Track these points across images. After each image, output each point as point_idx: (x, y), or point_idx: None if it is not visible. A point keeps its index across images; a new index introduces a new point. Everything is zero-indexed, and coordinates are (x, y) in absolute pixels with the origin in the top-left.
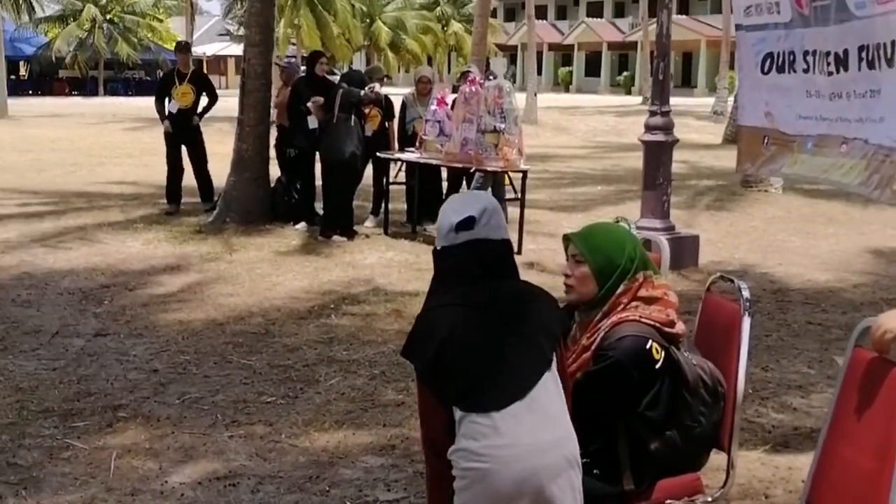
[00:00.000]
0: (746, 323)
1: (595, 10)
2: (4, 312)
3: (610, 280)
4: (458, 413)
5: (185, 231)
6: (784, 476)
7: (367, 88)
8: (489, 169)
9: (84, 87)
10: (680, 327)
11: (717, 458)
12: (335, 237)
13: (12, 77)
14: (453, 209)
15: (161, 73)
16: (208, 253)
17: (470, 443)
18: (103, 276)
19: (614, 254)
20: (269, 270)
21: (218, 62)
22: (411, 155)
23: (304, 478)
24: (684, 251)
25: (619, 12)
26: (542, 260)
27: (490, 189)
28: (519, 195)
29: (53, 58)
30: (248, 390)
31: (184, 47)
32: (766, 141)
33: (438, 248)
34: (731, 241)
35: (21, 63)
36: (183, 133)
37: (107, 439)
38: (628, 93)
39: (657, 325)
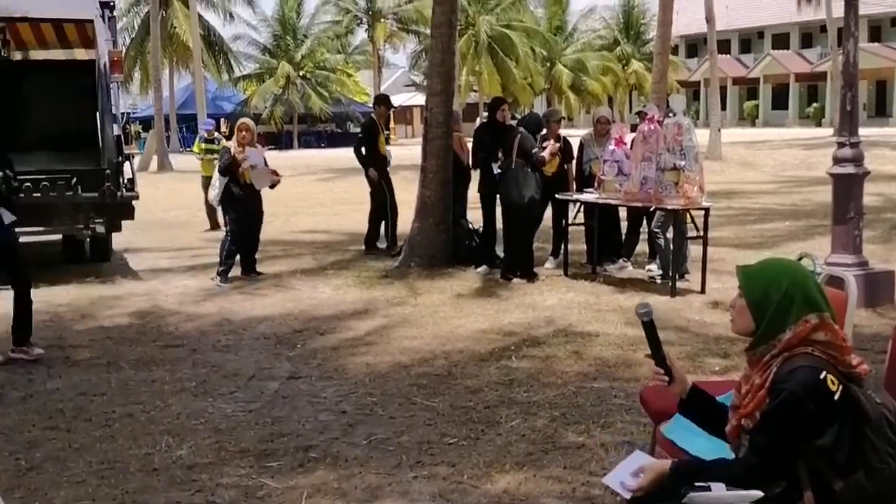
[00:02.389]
0: None
1: (781, 42)
2: (206, 357)
3: (766, 315)
4: None
5: (372, 276)
6: None
7: (535, 150)
8: (669, 207)
9: (279, 140)
10: (862, 368)
11: None
12: (515, 279)
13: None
14: None
15: (357, 124)
16: (394, 297)
17: None
18: (296, 322)
19: (770, 289)
20: (452, 313)
21: (404, 112)
22: (590, 195)
23: None
24: (879, 287)
25: (807, 43)
26: (727, 299)
27: (672, 227)
28: (701, 233)
29: (251, 114)
30: (432, 431)
31: (385, 100)
32: None
33: None
34: None
35: (222, 120)
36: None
37: (298, 479)
38: (818, 125)
39: (832, 359)
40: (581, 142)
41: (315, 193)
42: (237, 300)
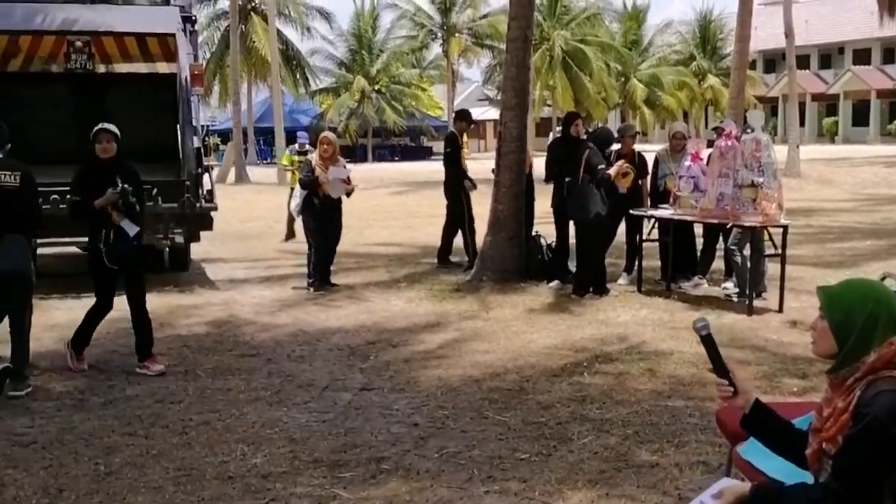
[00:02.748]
0: None
1: (862, 58)
2: (281, 367)
3: (849, 338)
4: None
5: (444, 290)
6: None
7: (601, 167)
8: (747, 224)
9: (354, 153)
10: None
11: None
12: (588, 295)
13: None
14: None
15: (434, 138)
16: (466, 311)
17: None
18: (369, 333)
19: (854, 311)
20: (524, 328)
21: (477, 127)
22: (665, 211)
23: None
24: None
25: (889, 58)
26: (805, 318)
27: (748, 245)
28: (779, 251)
29: (326, 127)
30: (503, 446)
31: (465, 115)
32: None
33: None
34: None
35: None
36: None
37: (370, 490)
38: None
39: None
40: (656, 157)
41: (388, 206)
42: (312, 311)
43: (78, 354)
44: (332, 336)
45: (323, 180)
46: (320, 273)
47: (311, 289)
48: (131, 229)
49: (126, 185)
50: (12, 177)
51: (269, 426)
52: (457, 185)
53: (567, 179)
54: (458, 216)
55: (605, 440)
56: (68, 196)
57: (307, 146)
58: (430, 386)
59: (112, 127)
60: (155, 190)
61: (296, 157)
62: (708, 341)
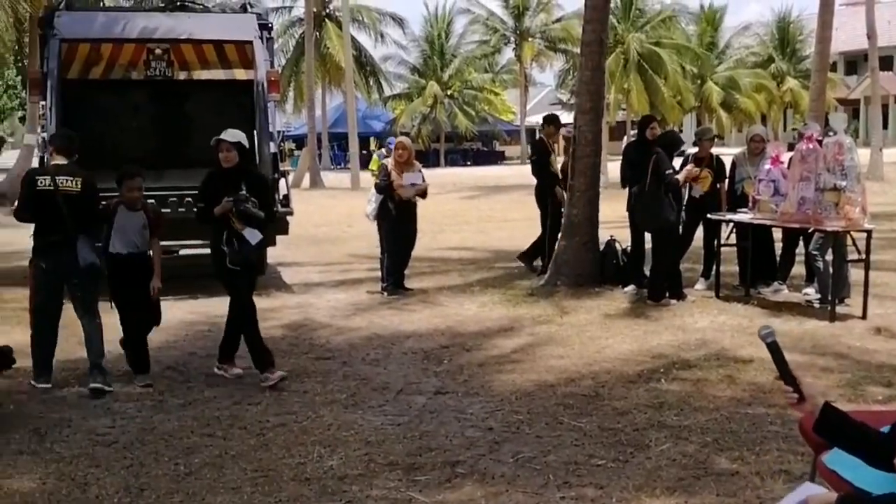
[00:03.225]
0: None
1: None
2: (356, 370)
3: None
4: None
5: (517, 294)
6: None
7: (669, 172)
8: (829, 229)
9: (426, 158)
10: None
11: None
12: (664, 300)
13: (363, 152)
14: None
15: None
16: (540, 316)
17: None
18: (443, 337)
19: None
20: (599, 333)
21: None
22: (744, 216)
23: None
24: None
25: None
26: (890, 325)
27: (830, 250)
28: (863, 256)
29: (399, 133)
30: (579, 452)
31: (554, 120)
32: None
33: None
34: None
35: (371, 139)
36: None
37: (446, 494)
38: None
39: None
40: (734, 160)
41: (461, 211)
42: (386, 315)
43: (227, 362)
44: (406, 340)
45: (398, 185)
46: (394, 277)
47: (385, 293)
48: (253, 237)
49: (244, 194)
50: (73, 182)
51: (344, 428)
52: (547, 193)
53: (635, 187)
54: (544, 220)
55: (683, 447)
56: (195, 202)
57: None
58: (504, 390)
59: (231, 136)
60: None
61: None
62: (773, 348)
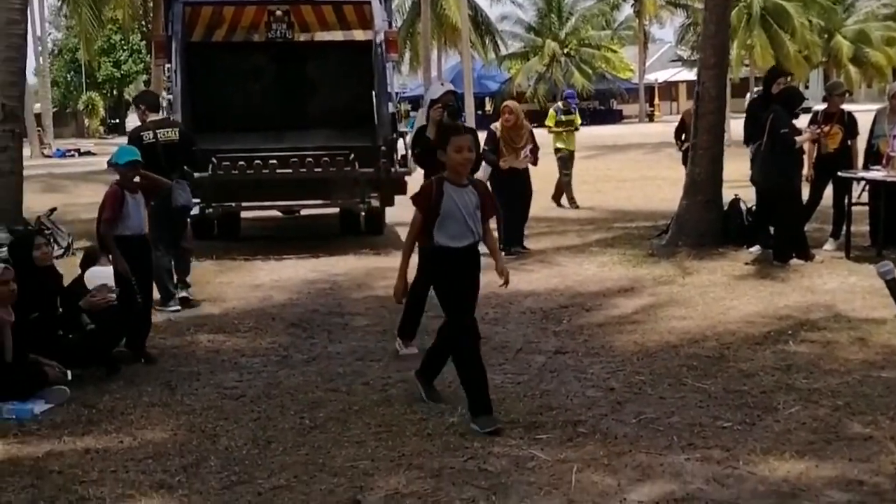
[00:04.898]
0: None
1: None
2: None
3: None
4: None
5: (637, 254)
6: None
7: (784, 131)
8: None
9: (543, 118)
10: None
11: None
12: (792, 261)
13: (479, 112)
14: None
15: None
16: (661, 276)
17: None
18: (562, 297)
19: None
20: (723, 294)
21: (669, 88)
22: (877, 174)
23: None
24: None
25: None
26: None
27: None
28: None
29: (514, 92)
30: (704, 414)
31: None
32: None
33: None
34: None
35: (486, 99)
36: None
37: (567, 453)
38: None
39: None
40: (875, 115)
41: (578, 171)
42: None
43: (406, 339)
44: (524, 299)
45: (503, 163)
46: (508, 237)
47: (503, 253)
48: None
49: None
50: (172, 132)
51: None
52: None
53: (752, 145)
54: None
55: (813, 411)
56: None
57: (573, 105)
58: (625, 351)
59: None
60: (352, 155)
61: (563, 118)
62: (893, 286)
